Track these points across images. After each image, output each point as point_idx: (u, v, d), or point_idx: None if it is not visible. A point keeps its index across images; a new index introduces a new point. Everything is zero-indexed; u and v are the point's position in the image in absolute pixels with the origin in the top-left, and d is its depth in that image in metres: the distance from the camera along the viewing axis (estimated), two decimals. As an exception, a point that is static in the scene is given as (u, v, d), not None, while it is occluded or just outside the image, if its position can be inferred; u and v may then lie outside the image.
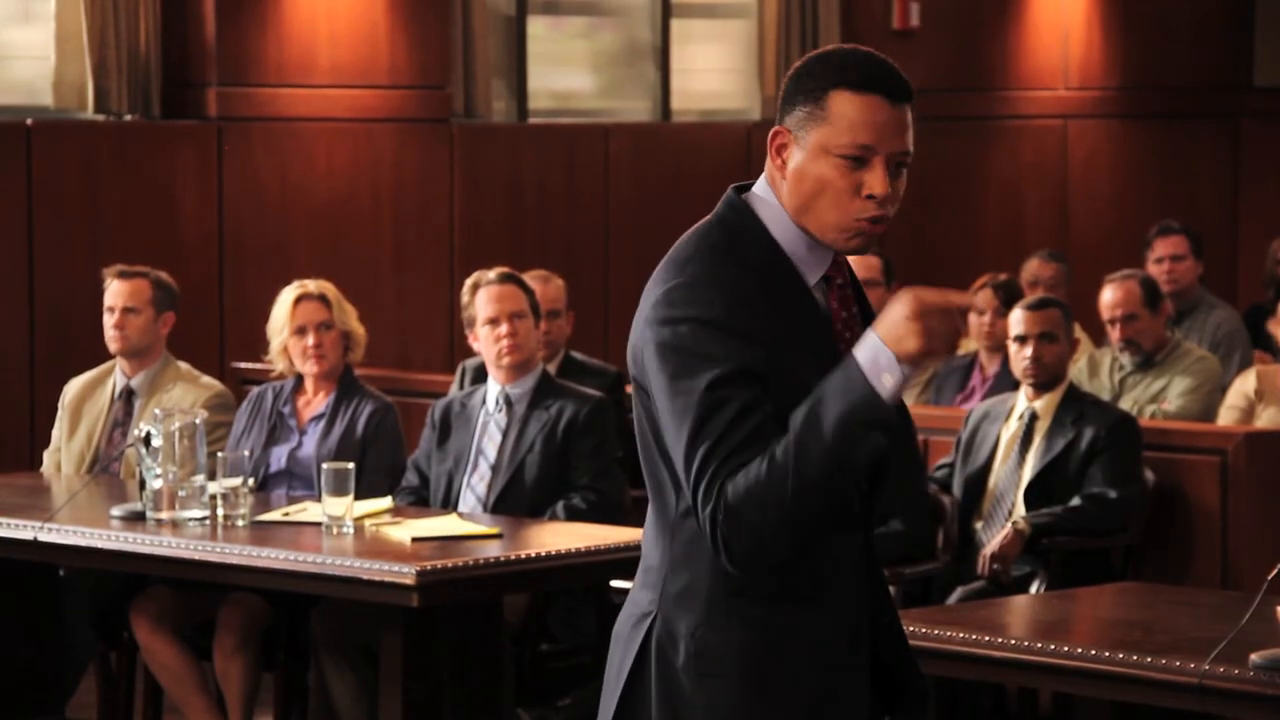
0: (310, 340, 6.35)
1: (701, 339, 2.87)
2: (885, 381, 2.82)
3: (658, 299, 2.91)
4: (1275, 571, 4.01)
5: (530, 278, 6.61)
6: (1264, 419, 7.16)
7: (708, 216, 3.02)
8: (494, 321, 6.18)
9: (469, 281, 6.32)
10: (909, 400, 7.98)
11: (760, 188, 3.01)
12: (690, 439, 2.86)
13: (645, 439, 2.99)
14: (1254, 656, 4.08)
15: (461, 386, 7.12)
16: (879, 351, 2.83)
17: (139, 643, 6.11)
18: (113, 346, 6.71)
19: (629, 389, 7.29)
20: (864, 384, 2.82)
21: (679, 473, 2.91)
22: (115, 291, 6.70)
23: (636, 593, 3.03)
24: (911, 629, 3.18)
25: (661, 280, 2.94)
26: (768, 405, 2.86)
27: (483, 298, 6.21)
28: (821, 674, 2.96)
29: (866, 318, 3.04)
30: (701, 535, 2.88)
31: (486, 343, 6.23)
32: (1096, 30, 11.92)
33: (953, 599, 6.19)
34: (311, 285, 6.45)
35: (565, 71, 10.62)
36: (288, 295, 6.43)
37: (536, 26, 10.27)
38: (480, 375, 6.69)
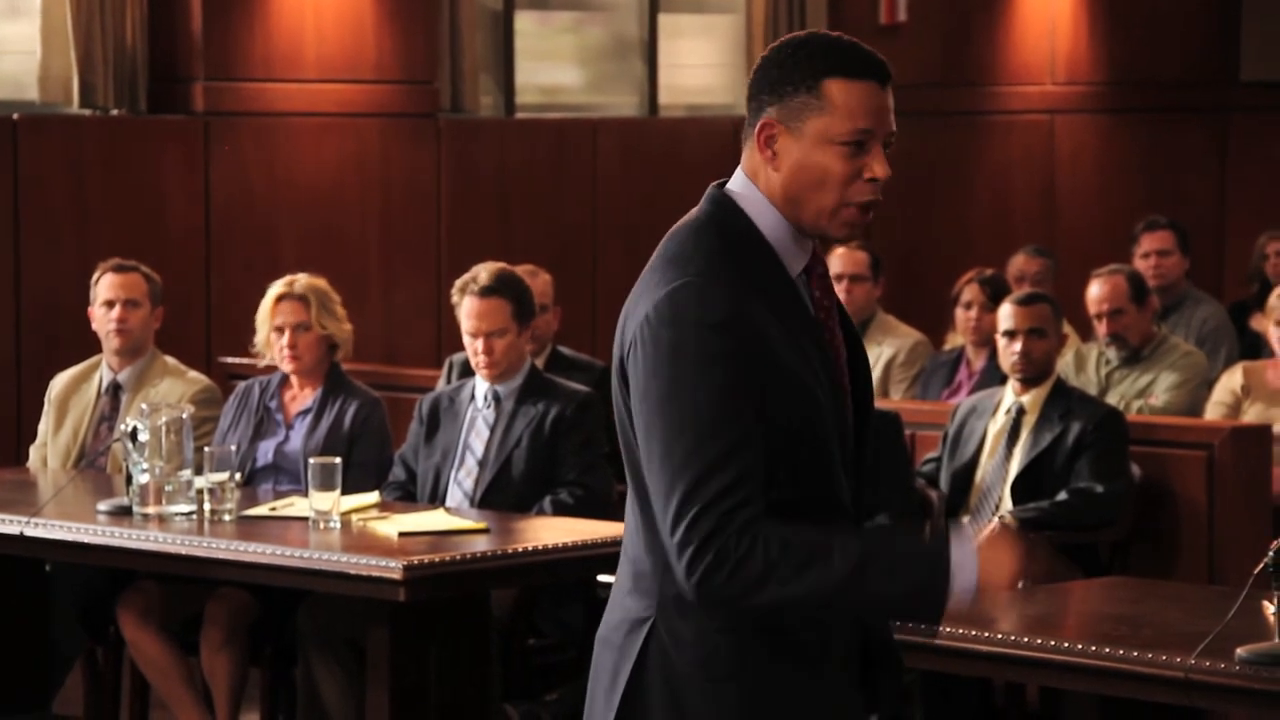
0: (285, 340, 6.34)
1: (707, 346, 2.85)
2: (955, 596, 2.89)
3: (660, 300, 2.88)
4: (1261, 566, 4.02)
5: (518, 273, 6.59)
6: (1250, 414, 7.18)
7: (693, 214, 3.00)
8: (473, 335, 6.17)
9: (458, 282, 6.27)
10: (896, 397, 7.98)
11: (739, 184, 2.99)
12: (699, 462, 2.84)
13: (628, 438, 2.97)
14: (1240, 650, 4.09)
15: (449, 381, 7.12)
16: (970, 573, 2.88)
17: (125, 638, 6.10)
18: (113, 341, 6.66)
19: (616, 384, 7.31)
20: (942, 595, 2.87)
21: (656, 484, 2.87)
22: (115, 284, 6.66)
23: (626, 598, 2.99)
24: (897, 624, 3.17)
25: (664, 280, 2.90)
26: (760, 421, 2.85)
27: (464, 309, 6.18)
28: (828, 670, 2.96)
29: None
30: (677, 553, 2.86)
31: (468, 350, 6.23)
32: (1083, 25, 11.93)
33: (940, 594, 6.18)
34: (299, 283, 6.41)
35: (552, 66, 10.62)
36: (272, 291, 6.42)
37: (524, 21, 10.27)
38: (468, 370, 6.68)
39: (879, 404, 5.31)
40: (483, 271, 6.24)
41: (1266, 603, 4.19)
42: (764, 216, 2.96)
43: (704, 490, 2.83)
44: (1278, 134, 12.43)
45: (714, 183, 3.03)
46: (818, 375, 2.93)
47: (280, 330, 6.34)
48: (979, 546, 2.89)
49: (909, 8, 11.05)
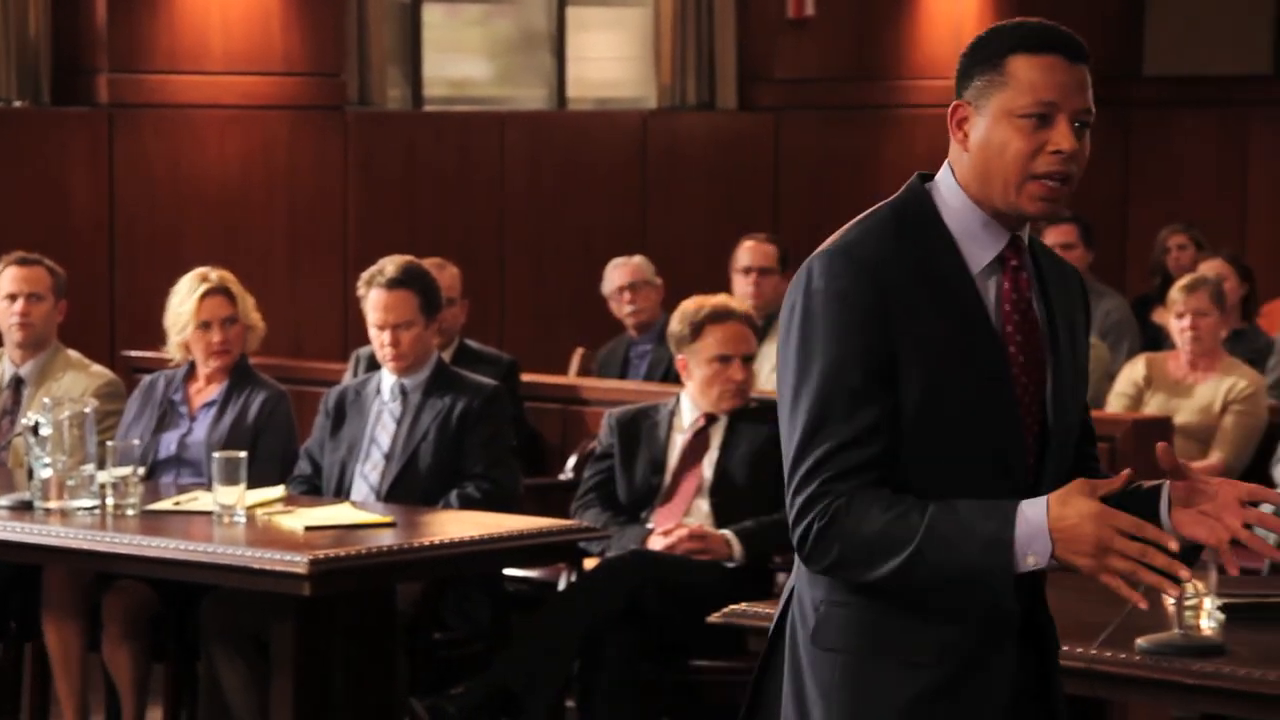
0: (215, 336, 6.28)
1: (829, 313, 2.87)
2: (1027, 562, 2.82)
3: (801, 269, 2.95)
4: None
5: (425, 266, 6.57)
6: (1152, 405, 7.24)
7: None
8: (379, 327, 6.15)
9: (365, 275, 6.25)
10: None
11: (941, 174, 3.03)
12: (803, 426, 2.87)
13: None
14: (1140, 641, 4.13)
15: (355, 374, 7.10)
16: (1040, 537, 2.82)
17: (42, 612, 6.01)
18: (15, 335, 6.59)
19: (523, 377, 7.31)
20: (1007, 558, 2.81)
21: (785, 447, 2.91)
22: (17, 278, 6.60)
23: (796, 568, 3.03)
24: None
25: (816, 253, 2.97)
26: (882, 395, 2.86)
27: (371, 301, 6.16)
28: (949, 655, 2.92)
29: (1048, 303, 3.00)
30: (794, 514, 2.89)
31: (375, 342, 6.21)
32: (989, 19, 11.99)
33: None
34: (214, 277, 6.36)
35: (461, 59, 10.60)
36: (192, 289, 6.31)
37: (432, 13, 10.25)
38: (374, 363, 6.66)
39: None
40: (389, 264, 6.22)
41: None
42: (954, 203, 2.99)
43: (812, 454, 2.87)
44: (1180, 128, 12.55)
45: (918, 173, 3.06)
46: (973, 368, 2.91)
47: (207, 326, 6.27)
48: (1049, 506, 2.83)
49: (816, 2, 11.08)
